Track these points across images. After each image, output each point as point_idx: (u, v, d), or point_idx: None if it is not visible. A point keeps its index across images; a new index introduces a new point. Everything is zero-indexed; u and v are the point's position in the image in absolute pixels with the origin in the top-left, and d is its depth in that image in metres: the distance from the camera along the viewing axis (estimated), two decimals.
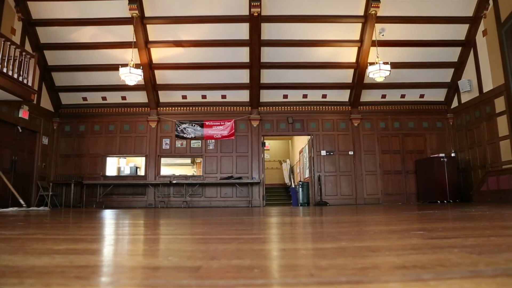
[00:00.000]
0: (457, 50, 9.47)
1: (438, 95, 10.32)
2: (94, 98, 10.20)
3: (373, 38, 8.83)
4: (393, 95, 10.26)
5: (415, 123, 10.32)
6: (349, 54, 9.47)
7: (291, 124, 10.19)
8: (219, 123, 10.18)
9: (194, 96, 10.20)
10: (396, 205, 7.60)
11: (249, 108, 10.22)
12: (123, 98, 10.21)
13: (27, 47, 8.79)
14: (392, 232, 1.57)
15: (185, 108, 10.25)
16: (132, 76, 8.04)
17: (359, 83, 9.70)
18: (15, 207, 5.98)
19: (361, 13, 8.66)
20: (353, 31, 9.04)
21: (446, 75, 9.90)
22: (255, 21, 8.48)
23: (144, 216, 3.87)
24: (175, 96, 10.21)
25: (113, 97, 10.18)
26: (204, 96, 10.21)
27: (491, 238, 1.23)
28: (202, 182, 9.79)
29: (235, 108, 10.23)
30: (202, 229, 2.05)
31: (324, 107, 10.29)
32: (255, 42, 8.87)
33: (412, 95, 10.28)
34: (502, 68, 8.06)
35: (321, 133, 10.20)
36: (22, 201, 6.27)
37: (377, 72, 8.08)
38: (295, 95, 10.23)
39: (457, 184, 9.12)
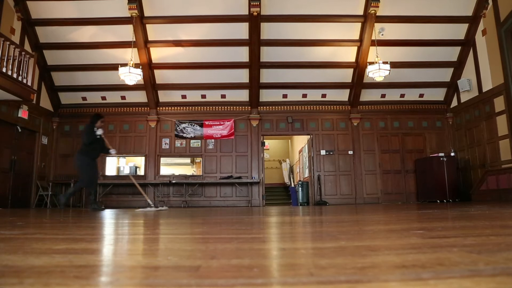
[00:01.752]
0: (457, 49, 9.48)
1: (438, 94, 10.32)
2: (94, 97, 10.19)
3: (373, 38, 8.83)
4: (393, 95, 10.26)
5: (414, 122, 10.33)
6: (348, 54, 9.47)
7: (291, 124, 10.20)
8: (218, 123, 10.18)
9: (193, 96, 10.20)
10: (395, 205, 7.60)
11: (249, 107, 10.22)
12: (123, 97, 10.21)
13: (27, 46, 8.78)
14: (391, 232, 1.57)
15: (184, 107, 10.25)
16: (131, 75, 8.04)
17: (358, 82, 9.70)
18: (151, 207, 6.14)
19: (361, 12, 8.66)
20: (352, 30, 9.04)
21: (445, 74, 9.91)
22: (254, 20, 8.48)
23: (144, 215, 3.87)
24: (175, 96, 10.21)
25: (113, 97, 10.18)
26: (203, 96, 10.21)
27: (490, 237, 1.24)
28: (202, 182, 9.79)
29: (234, 107, 10.23)
30: (201, 228, 2.05)
31: (323, 106, 10.29)
32: (254, 42, 8.86)
33: (412, 95, 10.28)
34: (502, 68, 8.07)
35: (321, 132, 10.20)
36: (150, 202, 6.48)
37: (377, 72, 8.08)
38: (294, 95, 10.23)
39: (456, 183, 9.12)
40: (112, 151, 6.38)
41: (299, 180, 12.23)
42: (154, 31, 8.99)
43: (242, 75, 9.77)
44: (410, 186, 10.01)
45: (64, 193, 6.08)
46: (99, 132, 5.98)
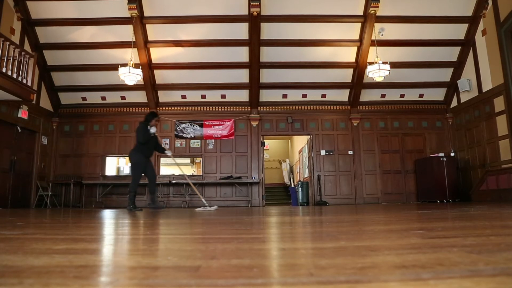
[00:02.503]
0: (457, 49, 9.48)
1: (438, 94, 10.32)
2: (94, 98, 10.19)
3: (373, 38, 8.83)
4: (393, 95, 10.26)
5: (414, 122, 10.33)
6: (348, 54, 9.47)
7: (291, 124, 10.20)
8: (218, 123, 10.18)
9: (193, 96, 10.20)
10: (395, 205, 7.60)
11: (249, 107, 10.22)
12: (123, 98, 10.21)
13: (26, 47, 8.78)
14: (391, 232, 1.57)
15: (184, 107, 10.25)
16: (131, 76, 8.04)
17: (358, 82, 9.71)
18: (209, 207, 6.11)
19: (361, 12, 8.66)
20: (352, 30, 9.04)
21: (445, 74, 9.91)
22: (254, 20, 8.48)
23: (143, 216, 3.87)
24: (175, 96, 10.21)
25: (113, 97, 10.18)
26: (203, 96, 10.21)
27: (490, 237, 1.23)
28: (202, 182, 9.79)
29: (234, 107, 10.23)
30: (201, 228, 2.05)
31: (323, 106, 10.29)
32: (254, 42, 8.86)
33: (412, 95, 10.28)
34: (501, 68, 8.07)
35: (321, 132, 10.20)
36: (205, 202, 6.49)
37: (377, 72, 8.09)
38: (294, 95, 10.23)
39: (456, 183, 9.13)
40: (168, 152, 6.31)
41: (299, 180, 12.23)
42: (154, 31, 8.99)
43: (242, 75, 9.77)
44: (410, 186, 10.01)
45: (152, 201, 5.85)
46: (153, 130, 5.87)
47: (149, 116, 5.94)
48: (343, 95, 10.29)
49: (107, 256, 1.03)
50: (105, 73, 9.53)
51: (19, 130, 8.62)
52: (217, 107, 10.25)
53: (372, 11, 8.42)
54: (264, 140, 10.59)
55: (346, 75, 9.87)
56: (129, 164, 5.98)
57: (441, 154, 9.25)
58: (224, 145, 10.13)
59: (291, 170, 15.81)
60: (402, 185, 10.01)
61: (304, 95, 10.25)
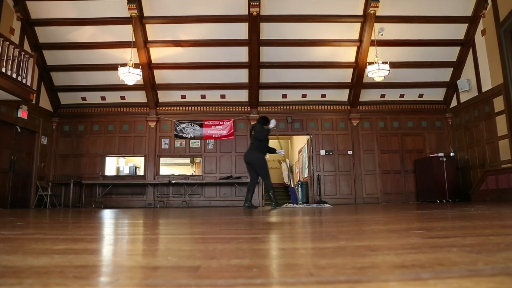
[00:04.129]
0: (456, 49, 9.49)
1: (437, 94, 10.33)
2: (93, 98, 10.19)
3: (372, 38, 8.84)
4: (392, 95, 10.27)
5: (414, 122, 10.33)
6: (348, 54, 9.47)
7: (290, 124, 10.20)
8: (218, 123, 10.18)
9: (193, 96, 10.20)
10: (395, 205, 7.60)
11: (248, 107, 10.22)
12: (122, 98, 10.20)
13: (26, 47, 8.78)
14: (391, 231, 1.57)
15: (184, 107, 10.25)
16: (131, 75, 8.04)
17: (358, 82, 9.71)
18: (326, 204, 6.30)
19: (360, 12, 8.67)
20: (352, 30, 9.05)
21: (445, 74, 9.92)
22: (254, 20, 8.49)
23: (143, 216, 3.87)
24: (174, 96, 10.21)
25: (112, 97, 10.17)
26: (203, 96, 10.21)
27: (490, 237, 1.23)
28: (201, 182, 9.79)
29: (234, 107, 10.23)
30: (201, 228, 2.05)
31: (323, 106, 10.29)
32: (254, 42, 8.87)
33: (411, 95, 10.29)
34: (501, 68, 8.08)
35: (320, 132, 10.21)
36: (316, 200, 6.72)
37: (376, 72, 8.09)
38: (294, 95, 10.23)
39: (456, 183, 9.13)
40: (281, 151, 6.45)
41: (299, 180, 12.23)
42: (153, 31, 8.99)
43: (242, 75, 9.77)
44: (409, 186, 10.01)
45: (273, 201, 6.06)
46: (272, 124, 6.15)
47: (264, 120, 6.26)
48: (342, 95, 10.30)
49: (106, 256, 1.03)
50: (105, 73, 9.53)
51: (19, 130, 8.62)
52: (216, 107, 10.25)
53: (372, 11, 8.42)
54: None
55: (345, 75, 9.87)
56: (256, 165, 6.17)
57: (440, 154, 9.25)
58: (223, 145, 10.13)
59: (290, 170, 15.80)
60: (402, 185, 10.02)
61: (304, 95, 10.25)
